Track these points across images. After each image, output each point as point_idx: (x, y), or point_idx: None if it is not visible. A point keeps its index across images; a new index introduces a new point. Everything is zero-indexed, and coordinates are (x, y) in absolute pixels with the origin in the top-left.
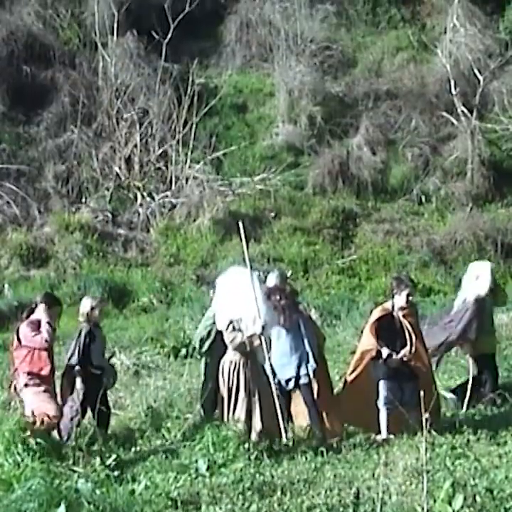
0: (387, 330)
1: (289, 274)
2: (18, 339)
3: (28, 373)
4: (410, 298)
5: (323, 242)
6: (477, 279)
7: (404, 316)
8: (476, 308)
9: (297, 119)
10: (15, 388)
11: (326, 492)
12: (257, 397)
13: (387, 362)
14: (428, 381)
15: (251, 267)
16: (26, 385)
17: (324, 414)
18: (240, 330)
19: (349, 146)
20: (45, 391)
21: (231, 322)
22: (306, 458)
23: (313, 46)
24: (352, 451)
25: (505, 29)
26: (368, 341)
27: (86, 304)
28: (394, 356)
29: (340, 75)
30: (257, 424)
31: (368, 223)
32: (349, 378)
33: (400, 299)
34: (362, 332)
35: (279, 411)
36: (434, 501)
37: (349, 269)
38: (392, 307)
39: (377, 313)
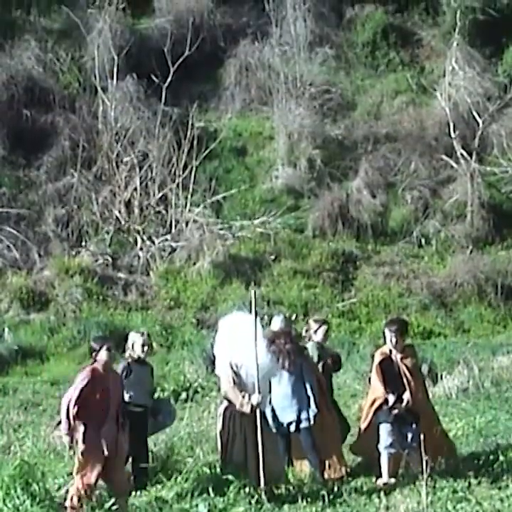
0: (388, 373)
1: (294, 318)
2: None
3: None
4: (394, 340)
5: (323, 285)
6: None
7: (402, 358)
8: None
9: (297, 162)
10: None
11: None
12: (254, 441)
13: (393, 408)
14: (429, 424)
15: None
16: None
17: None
18: (239, 375)
19: (349, 189)
20: None
21: (231, 367)
22: (308, 502)
23: (313, 89)
24: (353, 495)
25: (504, 72)
26: (377, 388)
27: (129, 339)
28: (397, 403)
29: (340, 118)
30: (254, 469)
31: (368, 266)
32: (363, 426)
33: (387, 340)
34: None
35: (279, 455)
36: None
37: (349, 312)
38: (390, 350)
39: (377, 357)
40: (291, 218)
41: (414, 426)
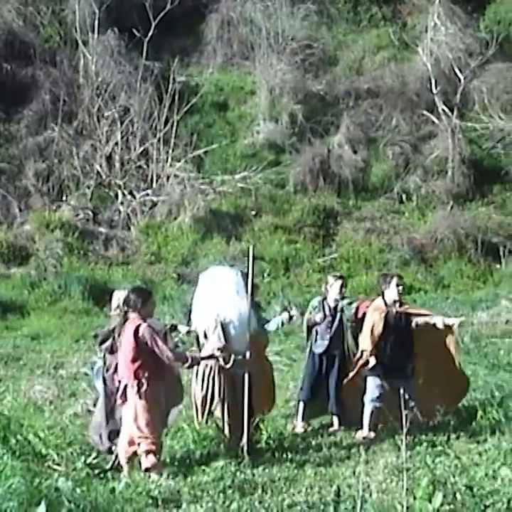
0: (386, 330)
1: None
2: None
3: None
4: (399, 288)
5: (304, 241)
6: None
7: (401, 307)
8: None
9: (278, 117)
10: None
11: (306, 490)
12: (233, 397)
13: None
14: (442, 370)
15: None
16: None
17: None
18: (226, 330)
19: (330, 145)
20: None
21: (219, 325)
22: (287, 456)
23: (295, 44)
24: (333, 449)
25: (486, 28)
26: (367, 341)
27: (115, 298)
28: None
29: (322, 74)
30: (234, 423)
31: (349, 221)
32: (347, 378)
33: (391, 292)
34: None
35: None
36: (414, 499)
37: (330, 268)
38: (386, 304)
39: (374, 315)
40: (272, 173)
41: (409, 381)
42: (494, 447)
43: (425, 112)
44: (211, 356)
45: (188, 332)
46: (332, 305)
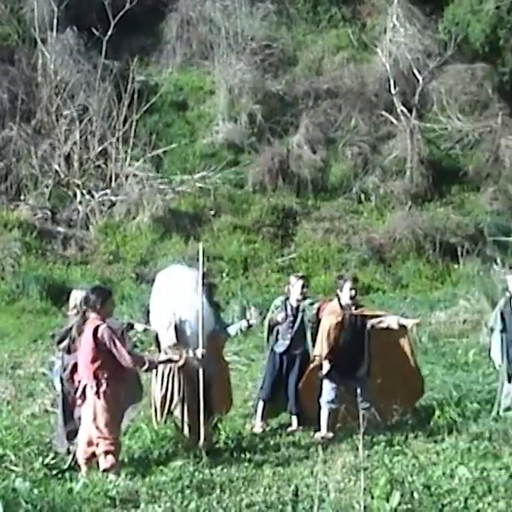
0: (341, 333)
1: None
2: None
3: None
4: (352, 292)
5: (263, 241)
6: None
7: (356, 310)
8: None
9: (237, 117)
10: None
11: (264, 490)
12: (193, 397)
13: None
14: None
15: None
16: None
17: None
18: (182, 330)
19: (289, 145)
20: None
21: (173, 323)
22: (245, 456)
23: (254, 44)
24: (291, 449)
25: (444, 29)
26: (318, 347)
27: (73, 297)
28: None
29: (281, 74)
30: (193, 424)
31: (308, 221)
32: (303, 381)
33: (344, 296)
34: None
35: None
36: (372, 498)
37: (289, 268)
38: (341, 307)
39: (327, 316)
40: (231, 173)
41: (365, 381)
42: (451, 447)
43: (384, 113)
44: (169, 360)
45: (145, 330)
46: (294, 305)
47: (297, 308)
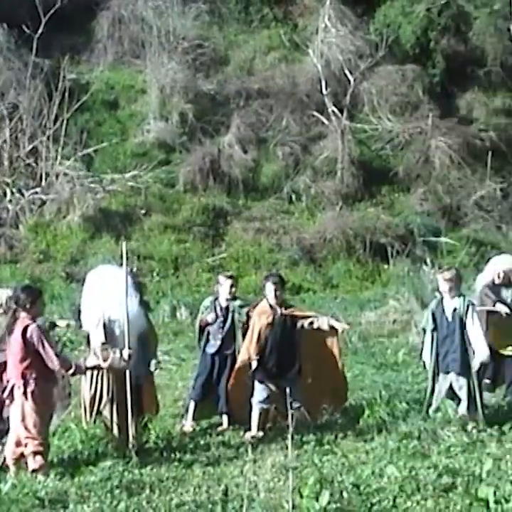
0: (271, 333)
1: (135, 269)
2: None
3: None
4: (276, 292)
5: (194, 240)
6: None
7: (286, 310)
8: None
9: (169, 117)
10: None
11: (194, 489)
12: (122, 398)
13: (257, 371)
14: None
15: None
16: None
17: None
18: (111, 330)
19: (220, 144)
20: None
21: (102, 322)
22: (175, 456)
23: (186, 44)
24: (221, 449)
25: (376, 31)
26: (248, 348)
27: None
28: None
29: (212, 73)
30: (123, 424)
31: (239, 221)
32: (232, 381)
33: (268, 295)
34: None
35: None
36: (301, 497)
37: (219, 267)
38: (270, 307)
39: (256, 317)
40: (162, 172)
41: (295, 381)
42: (381, 446)
43: (315, 113)
44: (96, 367)
45: (68, 325)
46: (223, 305)
47: (227, 308)
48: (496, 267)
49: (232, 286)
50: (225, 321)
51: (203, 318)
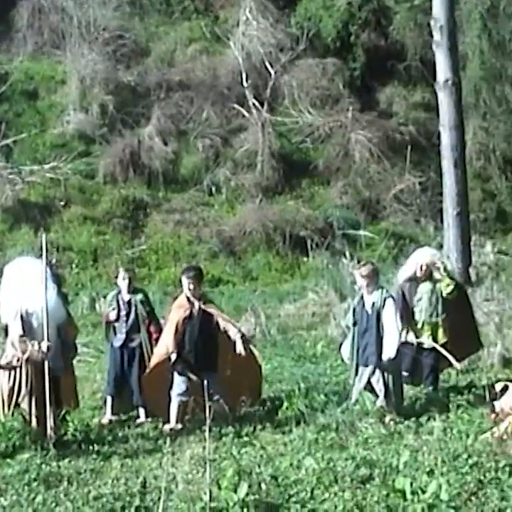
0: (188, 326)
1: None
2: None
3: None
4: (194, 286)
5: (113, 232)
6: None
7: (201, 306)
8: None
9: (89, 108)
10: None
11: (112, 481)
12: (40, 389)
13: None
14: (242, 364)
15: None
16: None
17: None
18: (29, 322)
19: (141, 136)
20: None
21: (20, 314)
22: (94, 448)
23: (106, 34)
24: (140, 441)
25: (297, 24)
26: (166, 341)
27: None
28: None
29: (133, 65)
30: (41, 416)
31: (159, 213)
32: (148, 373)
33: (186, 288)
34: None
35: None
36: (220, 489)
37: (139, 259)
38: (188, 300)
39: (175, 311)
40: (82, 164)
41: (213, 374)
42: (299, 438)
43: (236, 106)
44: (9, 366)
45: None
46: (125, 299)
47: (129, 302)
48: (418, 260)
49: (130, 279)
50: (128, 315)
51: (106, 313)
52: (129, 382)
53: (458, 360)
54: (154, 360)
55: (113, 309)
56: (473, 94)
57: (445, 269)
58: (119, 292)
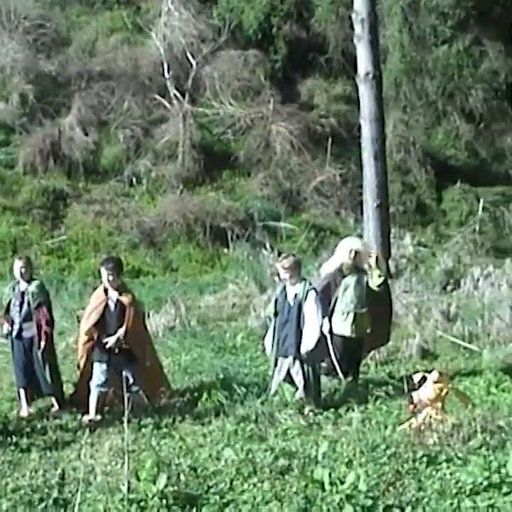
0: (105, 317)
1: None
2: None
3: None
4: (112, 277)
5: (33, 222)
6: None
7: (118, 297)
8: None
9: (9, 97)
10: None
11: (30, 473)
12: None
13: (104, 348)
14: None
15: None
16: None
17: None
18: None
19: (61, 126)
20: None
21: None
22: (12, 440)
23: (27, 23)
24: (58, 432)
25: (219, 15)
26: (84, 327)
27: None
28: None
29: (54, 54)
30: None
31: (79, 204)
32: (81, 362)
33: (103, 279)
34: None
35: None
36: (139, 480)
37: (59, 250)
38: (106, 289)
39: (93, 300)
40: (1, 154)
41: (131, 365)
42: (218, 429)
43: (157, 96)
44: None
45: None
46: (22, 289)
47: (23, 292)
48: (351, 246)
49: (22, 268)
50: (21, 305)
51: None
52: (35, 372)
53: (368, 351)
54: (79, 354)
55: (10, 300)
56: (394, 88)
57: (377, 259)
58: (19, 282)
